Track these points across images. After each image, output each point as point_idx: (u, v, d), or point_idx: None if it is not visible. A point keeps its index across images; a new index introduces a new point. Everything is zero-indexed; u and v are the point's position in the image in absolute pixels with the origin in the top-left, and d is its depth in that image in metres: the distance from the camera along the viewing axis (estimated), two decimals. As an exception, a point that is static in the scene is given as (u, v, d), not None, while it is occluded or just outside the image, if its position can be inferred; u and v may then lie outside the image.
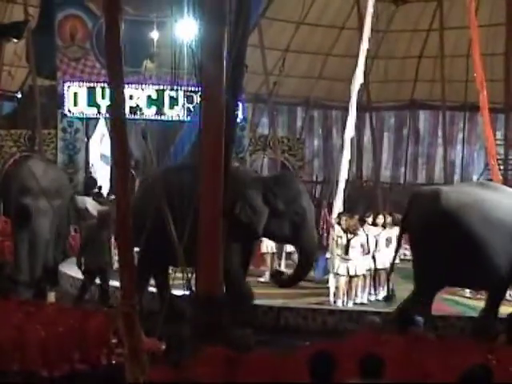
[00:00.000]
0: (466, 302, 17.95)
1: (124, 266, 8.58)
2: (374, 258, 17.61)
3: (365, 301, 17.48)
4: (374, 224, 18.37)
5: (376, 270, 17.83)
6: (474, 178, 34.30)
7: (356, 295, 17.49)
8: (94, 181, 27.80)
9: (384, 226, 18.37)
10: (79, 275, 17.31)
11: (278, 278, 16.38)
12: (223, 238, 13.42)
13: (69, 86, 27.20)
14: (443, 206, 13.97)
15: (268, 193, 15.25)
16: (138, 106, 27.27)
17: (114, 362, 10.15)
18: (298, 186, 16.16)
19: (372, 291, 17.95)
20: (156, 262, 15.65)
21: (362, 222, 18.00)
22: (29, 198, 17.32)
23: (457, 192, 14.43)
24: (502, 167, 24.56)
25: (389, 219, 18.62)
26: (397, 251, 15.74)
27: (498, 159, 23.76)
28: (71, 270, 18.73)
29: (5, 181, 18.97)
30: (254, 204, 15.10)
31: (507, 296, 18.20)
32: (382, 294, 17.82)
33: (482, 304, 16.12)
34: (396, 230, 18.55)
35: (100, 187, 27.00)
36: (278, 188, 15.38)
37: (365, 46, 19.97)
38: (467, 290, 18.62)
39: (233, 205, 14.69)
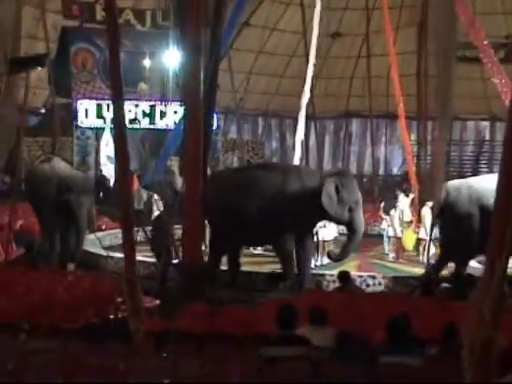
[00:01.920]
0: (389, 265, 18.04)
1: (126, 241, 8.54)
2: (316, 233, 17.51)
3: (312, 266, 17.48)
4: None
5: (319, 241, 17.87)
6: (395, 170, 34.52)
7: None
8: (105, 177, 27.59)
9: None
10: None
11: (332, 255, 16.19)
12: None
13: (81, 103, 27.15)
14: (468, 195, 14.42)
15: (338, 184, 15.02)
16: (136, 118, 27.18)
17: (119, 316, 10.09)
18: (354, 179, 16.11)
19: (317, 258, 17.97)
20: (230, 242, 15.53)
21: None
22: (72, 194, 16.88)
23: (479, 182, 14.64)
24: (415, 162, 24.69)
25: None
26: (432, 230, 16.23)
27: (412, 156, 23.91)
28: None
29: (34, 178, 18.16)
30: (331, 194, 14.88)
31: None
32: (325, 260, 17.78)
33: (401, 266, 16.23)
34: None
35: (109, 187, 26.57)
36: (344, 180, 15.15)
37: (311, 69, 20.02)
38: (391, 255, 18.72)
39: (318, 196, 14.64)
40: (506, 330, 7.04)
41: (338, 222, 15.92)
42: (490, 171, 29.97)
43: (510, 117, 5.80)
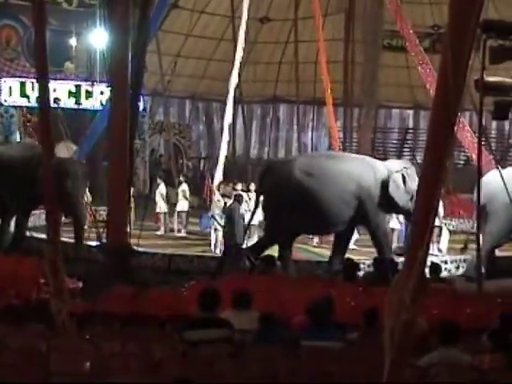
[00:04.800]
0: (312, 249, 18.18)
1: (50, 222, 8.43)
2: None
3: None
4: (248, 190, 18.36)
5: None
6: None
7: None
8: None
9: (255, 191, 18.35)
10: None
11: (398, 251, 15.75)
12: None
13: (5, 81, 26.62)
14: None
15: (404, 175, 15.07)
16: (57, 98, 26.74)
17: (42, 297, 9.97)
18: (415, 168, 16.04)
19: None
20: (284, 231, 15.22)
21: (234, 188, 18.01)
22: (69, 180, 16.09)
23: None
24: (341, 147, 24.97)
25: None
26: None
27: (338, 142, 24.18)
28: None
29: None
30: (400, 184, 14.94)
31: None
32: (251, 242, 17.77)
33: (323, 251, 16.37)
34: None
35: None
36: (409, 171, 15.22)
37: (239, 53, 20.00)
38: (315, 240, 18.86)
39: (385, 187, 14.79)
40: (426, 314, 7.20)
41: (402, 211, 15.96)
42: (413, 158, 30.52)
43: (435, 106, 5.89)
